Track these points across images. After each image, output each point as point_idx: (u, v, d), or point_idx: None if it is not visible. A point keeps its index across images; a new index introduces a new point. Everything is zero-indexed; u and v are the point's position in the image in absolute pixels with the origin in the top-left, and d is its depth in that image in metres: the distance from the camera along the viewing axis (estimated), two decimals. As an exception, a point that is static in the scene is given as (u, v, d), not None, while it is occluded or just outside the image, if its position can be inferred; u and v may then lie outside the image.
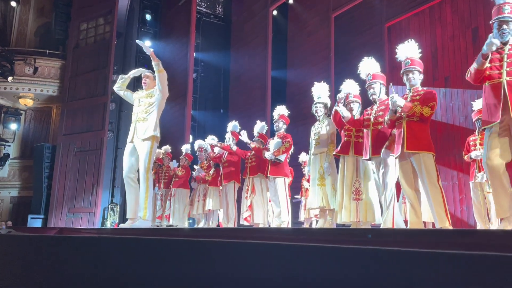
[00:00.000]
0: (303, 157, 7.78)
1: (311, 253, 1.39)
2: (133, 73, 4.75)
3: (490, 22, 3.09)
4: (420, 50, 3.72)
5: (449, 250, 1.09)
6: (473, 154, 5.05)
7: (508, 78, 2.88)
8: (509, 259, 1.00)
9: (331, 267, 1.30)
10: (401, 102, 3.45)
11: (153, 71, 4.61)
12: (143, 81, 4.67)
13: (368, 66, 4.21)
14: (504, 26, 2.97)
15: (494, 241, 1.51)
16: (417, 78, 3.61)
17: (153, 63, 4.50)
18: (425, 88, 3.64)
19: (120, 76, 4.76)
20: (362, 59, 4.32)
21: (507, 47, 2.97)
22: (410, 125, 3.45)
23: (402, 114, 3.50)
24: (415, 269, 1.11)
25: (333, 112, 4.34)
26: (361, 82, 4.52)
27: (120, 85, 4.73)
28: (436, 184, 3.32)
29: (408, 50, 3.69)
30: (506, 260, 1.00)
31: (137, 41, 4.92)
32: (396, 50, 3.77)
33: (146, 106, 4.52)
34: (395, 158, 3.61)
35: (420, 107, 3.43)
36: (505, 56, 2.94)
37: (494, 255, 1.01)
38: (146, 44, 5.16)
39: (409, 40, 3.74)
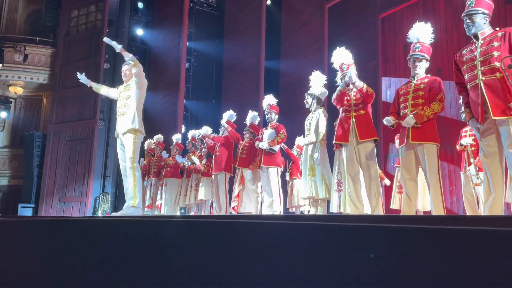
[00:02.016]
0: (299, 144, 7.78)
1: (302, 232, 1.39)
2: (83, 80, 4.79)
3: (461, 16, 3.09)
4: (433, 36, 3.59)
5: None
6: (463, 141, 5.09)
7: (484, 78, 2.83)
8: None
9: (323, 246, 1.31)
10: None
11: (132, 65, 4.59)
12: (122, 74, 4.64)
13: (342, 56, 4.25)
14: (468, 20, 2.96)
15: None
16: (423, 66, 3.56)
17: (126, 58, 4.50)
18: (429, 75, 3.58)
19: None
20: (354, 50, 4.31)
21: (479, 42, 2.93)
22: (416, 115, 3.42)
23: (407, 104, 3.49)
24: (403, 245, 1.12)
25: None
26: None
27: (96, 91, 4.90)
28: (437, 175, 3.34)
29: (421, 33, 3.56)
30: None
31: (104, 39, 4.78)
32: (409, 33, 3.63)
33: (124, 99, 4.52)
34: (400, 147, 3.58)
35: (428, 109, 3.38)
36: (478, 54, 2.89)
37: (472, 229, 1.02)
38: (138, 33, 5.12)
39: (426, 22, 3.61)
